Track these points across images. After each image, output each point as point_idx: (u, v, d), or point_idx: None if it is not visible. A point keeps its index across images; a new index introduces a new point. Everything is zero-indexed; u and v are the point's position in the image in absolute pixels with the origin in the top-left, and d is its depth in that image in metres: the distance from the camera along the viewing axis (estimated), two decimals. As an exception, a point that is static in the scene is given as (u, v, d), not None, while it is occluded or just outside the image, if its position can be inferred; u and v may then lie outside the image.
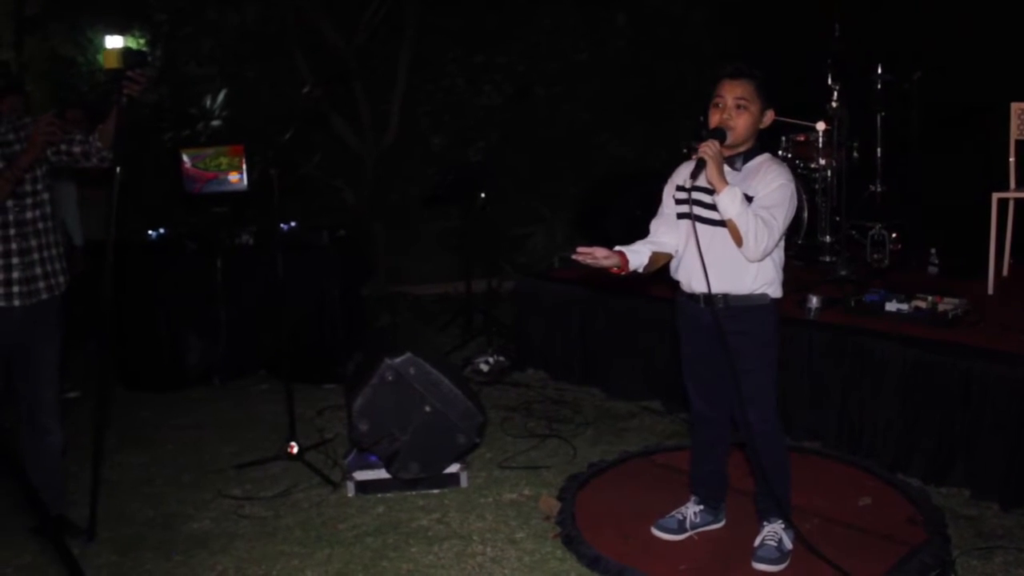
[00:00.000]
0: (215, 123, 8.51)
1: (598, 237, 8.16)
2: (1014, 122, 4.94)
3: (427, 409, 3.79)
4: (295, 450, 4.23)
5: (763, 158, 3.03)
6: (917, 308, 4.24)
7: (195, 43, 8.05)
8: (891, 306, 4.30)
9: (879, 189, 6.06)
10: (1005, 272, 4.98)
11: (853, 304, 4.40)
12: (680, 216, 3.09)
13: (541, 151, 8.44)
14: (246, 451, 4.43)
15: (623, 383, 5.04)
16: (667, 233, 3.14)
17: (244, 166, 5.88)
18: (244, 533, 3.58)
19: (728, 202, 2.85)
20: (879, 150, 6.03)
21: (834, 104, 5.69)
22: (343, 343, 5.62)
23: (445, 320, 6.71)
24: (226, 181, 5.90)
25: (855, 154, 6.03)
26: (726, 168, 2.96)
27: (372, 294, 7.24)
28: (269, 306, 5.25)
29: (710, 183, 2.88)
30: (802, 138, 5.95)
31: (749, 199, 2.90)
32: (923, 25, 6.42)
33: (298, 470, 4.14)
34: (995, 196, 4.80)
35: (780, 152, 6.03)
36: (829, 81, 5.73)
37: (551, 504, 3.65)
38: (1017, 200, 4.89)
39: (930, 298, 4.28)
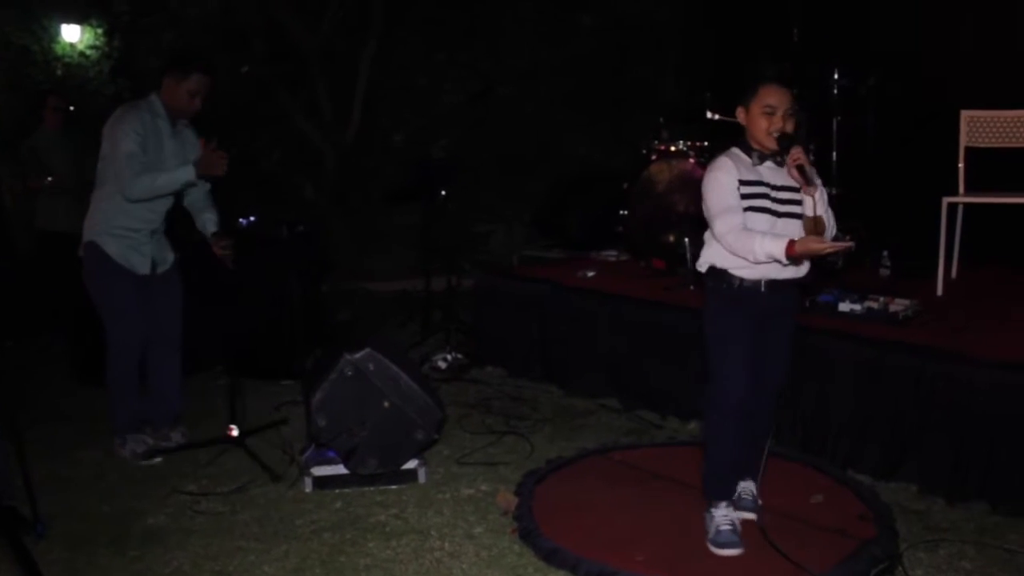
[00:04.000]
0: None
1: (559, 236, 8.21)
2: (963, 129, 5.05)
3: (386, 404, 3.79)
4: (234, 433, 4.19)
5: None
6: (869, 309, 4.33)
7: (156, 35, 7.97)
8: (844, 306, 4.37)
9: (834, 191, 6.15)
10: (954, 274, 5.09)
11: (807, 304, 4.48)
12: (752, 209, 3.10)
13: (503, 150, 8.48)
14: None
15: (581, 380, 5.08)
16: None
17: None
18: (200, 529, 3.55)
19: (820, 200, 3.00)
20: (835, 153, 6.13)
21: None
22: (302, 339, 5.59)
23: (404, 317, 6.71)
24: None
25: (811, 157, 6.11)
26: (772, 164, 3.13)
27: (332, 290, 7.22)
28: (226, 300, 5.22)
29: (804, 183, 3.00)
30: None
31: None
32: (878, 33, 6.54)
33: (251, 469, 4.11)
34: (945, 200, 4.91)
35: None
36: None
37: (509, 500, 3.67)
38: (966, 204, 5.00)
39: (882, 299, 4.37)
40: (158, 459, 4.23)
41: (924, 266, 5.07)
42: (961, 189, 5.01)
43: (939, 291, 4.86)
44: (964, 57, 6.16)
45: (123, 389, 4.26)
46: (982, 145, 5.01)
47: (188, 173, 4.07)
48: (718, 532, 3.17)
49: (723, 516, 3.20)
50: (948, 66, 6.21)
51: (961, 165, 5.03)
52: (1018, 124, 4.94)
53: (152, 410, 4.40)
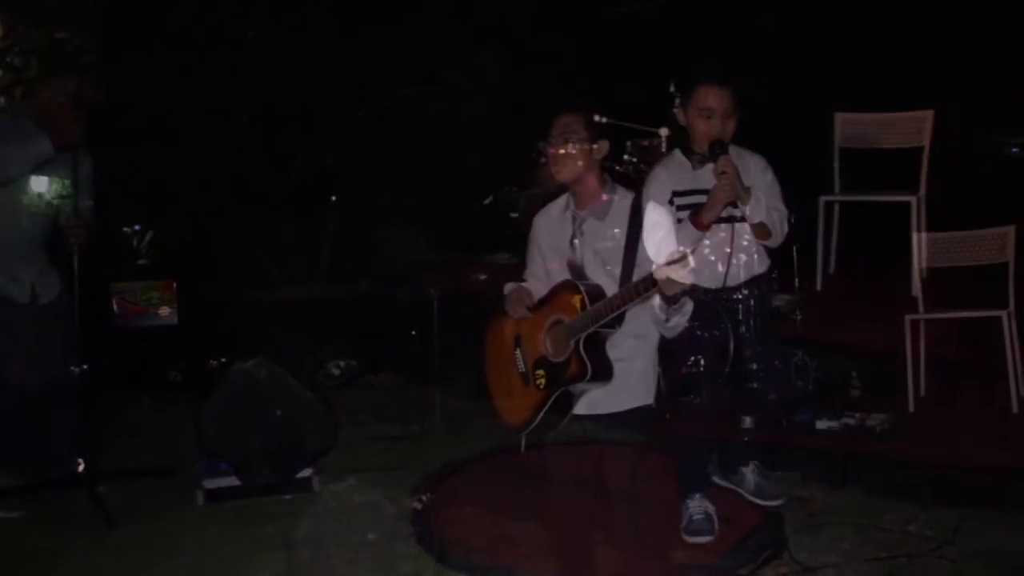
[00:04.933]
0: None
1: (451, 240, 8.17)
2: (838, 131, 5.26)
3: (278, 413, 3.74)
4: (81, 467, 3.84)
5: (735, 149, 3.10)
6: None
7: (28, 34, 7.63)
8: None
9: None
10: (832, 269, 5.30)
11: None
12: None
13: (400, 155, 8.42)
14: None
15: (476, 384, 5.07)
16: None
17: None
18: (83, 548, 3.41)
19: (756, 209, 2.96)
20: (718, 156, 6.31)
21: (675, 110, 5.91)
22: (193, 348, 5.46)
23: (297, 324, 6.59)
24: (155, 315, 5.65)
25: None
26: (712, 167, 3.00)
27: (223, 298, 7.05)
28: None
29: (737, 198, 2.95)
30: (647, 143, 6.16)
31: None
32: (757, 39, 6.76)
33: (139, 483, 3.98)
34: (822, 199, 5.12)
35: (625, 157, 6.21)
36: (671, 88, 5.95)
37: (406, 504, 3.66)
38: (842, 203, 5.21)
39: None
40: (16, 513, 3.75)
41: (804, 262, 5.25)
42: (836, 188, 5.22)
43: (818, 286, 5.06)
44: (838, 62, 6.42)
45: None
46: (855, 146, 5.23)
47: (42, 142, 3.57)
48: (690, 520, 3.21)
49: (696, 506, 3.22)
50: (823, 70, 6.47)
51: (836, 165, 5.24)
52: (887, 125, 5.18)
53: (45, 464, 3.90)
